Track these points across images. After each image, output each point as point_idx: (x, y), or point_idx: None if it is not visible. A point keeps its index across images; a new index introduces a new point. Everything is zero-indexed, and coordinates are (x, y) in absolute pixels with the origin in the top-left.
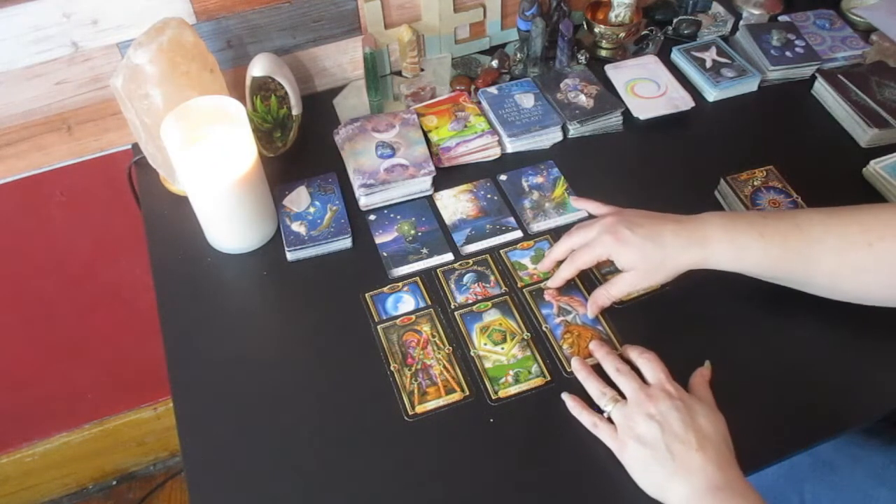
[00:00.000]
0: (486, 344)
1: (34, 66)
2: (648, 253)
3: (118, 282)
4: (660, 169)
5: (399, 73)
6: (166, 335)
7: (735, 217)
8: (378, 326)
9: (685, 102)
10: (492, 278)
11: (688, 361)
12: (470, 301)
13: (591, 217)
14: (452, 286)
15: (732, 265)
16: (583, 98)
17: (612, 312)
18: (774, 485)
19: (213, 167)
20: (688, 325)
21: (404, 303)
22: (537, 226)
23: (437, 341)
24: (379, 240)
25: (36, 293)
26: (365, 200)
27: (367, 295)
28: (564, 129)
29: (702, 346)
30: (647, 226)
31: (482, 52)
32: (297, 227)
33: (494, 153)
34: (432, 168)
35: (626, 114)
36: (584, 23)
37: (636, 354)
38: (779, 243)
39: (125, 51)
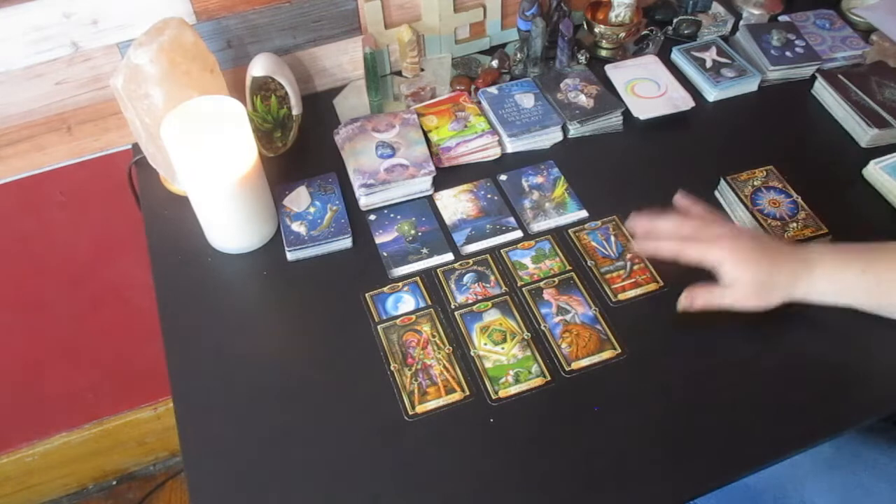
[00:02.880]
0: (486, 344)
1: (34, 66)
2: (761, 271)
3: (118, 282)
4: (660, 169)
5: (399, 73)
6: (166, 335)
7: (839, 251)
8: (378, 326)
9: (685, 102)
10: (492, 278)
11: (687, 361)
12: (470, 301)
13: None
14: (452, 286)
15: (832, 299)
16: (583, 98)
17: (612, 312)
18: (775, 484)
19: (213, 167)
20: (687, 324)
21: (404, 303)
22: (537, 226)
23: (438, 341)
24: (379, 240)
25: (36, 293)
26: (365, 200)
27: (367, 295)
28: (564, 129)
29: (701, 346)
30: (766, 245)
31: (482, 52)
32: (298, 227)
33: (494, 153)
34: (432, 168)
35: (626, 114)
36: (584, 23)
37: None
38: (883, 272)
39: (125, 51)
